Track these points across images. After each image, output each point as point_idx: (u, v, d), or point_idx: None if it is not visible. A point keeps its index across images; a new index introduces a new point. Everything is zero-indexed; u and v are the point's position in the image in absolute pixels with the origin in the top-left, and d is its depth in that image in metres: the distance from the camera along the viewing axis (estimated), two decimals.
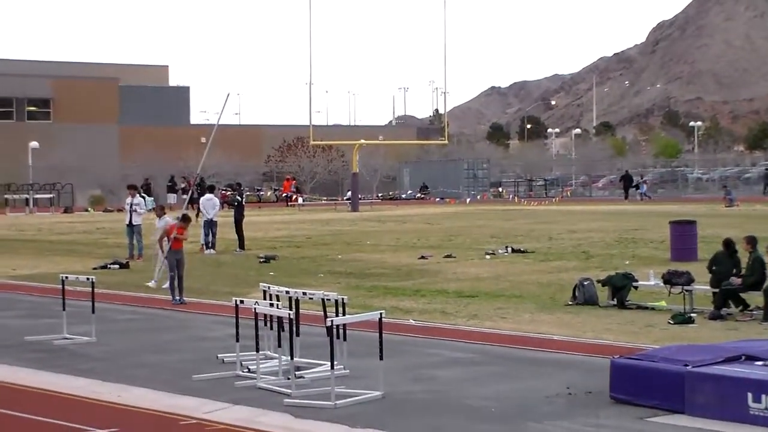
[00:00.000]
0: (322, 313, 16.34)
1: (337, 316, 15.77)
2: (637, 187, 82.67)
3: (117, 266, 32.11)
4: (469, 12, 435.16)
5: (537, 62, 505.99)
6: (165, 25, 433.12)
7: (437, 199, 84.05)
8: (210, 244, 37.22)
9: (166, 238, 24.72)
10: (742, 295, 20.48)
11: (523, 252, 34.37)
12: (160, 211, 29.59)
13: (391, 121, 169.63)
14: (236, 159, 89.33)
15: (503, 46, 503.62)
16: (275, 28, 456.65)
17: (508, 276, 28.02)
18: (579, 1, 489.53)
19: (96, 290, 20.23)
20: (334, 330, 14.71)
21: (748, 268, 20.66)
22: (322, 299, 16.64)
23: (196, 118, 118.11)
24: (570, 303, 22.28)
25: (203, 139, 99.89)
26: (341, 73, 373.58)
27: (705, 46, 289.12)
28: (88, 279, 20.22)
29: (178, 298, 23.99)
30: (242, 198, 41.27)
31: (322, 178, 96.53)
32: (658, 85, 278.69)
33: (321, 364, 15.66)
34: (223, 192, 70.05)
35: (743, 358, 12.97)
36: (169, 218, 27.96)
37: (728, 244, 21.39)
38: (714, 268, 21.17)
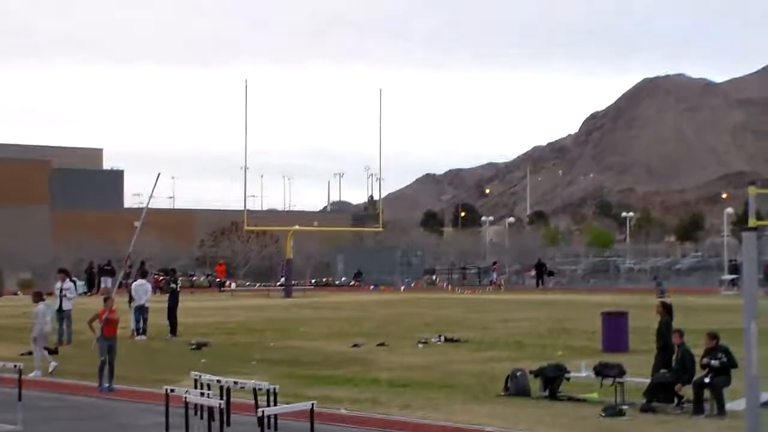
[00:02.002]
0: (254, 402, 16.20)
1: (268, 405, 15.65)
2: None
3: (46, 352, 31.61)
4: (405, 99, 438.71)
5: (472, 150, 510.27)
6: (98, 107, 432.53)
7: (371, 287, 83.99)
8: (141, 330, 36.87)
9: (98, 321, 24.49)
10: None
11: (456, 341, 34.36)
12: (36, 297, 28.56)
13: (326, 207, 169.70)
14: (169, 243, 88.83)
15: (438, 133, 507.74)
16: (211, 111, 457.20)
17: (440, 365, 27.98)
18: (514, 91, 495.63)
19: (23, 377, 19.91)
20: (265, 420, 14.59)
21: (677, 362, 20.79)
22: (254, 389, 16.51)
23: (129, 201, 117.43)
24: (502, 393, 22.26)
25: (136, 223, 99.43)
26: (277, 157, 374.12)
27: (637, 138, 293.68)
28: (15, 366, 19.92)
29: (107, 385, 23.69)
30: (177, 285, 41.00)
31: (256, 263, 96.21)
32: (591, 175, 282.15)
33: None
34: (156, 276, 69.55)
35: None
36: (43, 306, 27.58)
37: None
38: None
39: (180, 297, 40.05)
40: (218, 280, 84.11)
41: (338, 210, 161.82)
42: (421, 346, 33.22)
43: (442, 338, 34.71)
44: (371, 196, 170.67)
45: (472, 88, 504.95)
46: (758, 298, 13.97)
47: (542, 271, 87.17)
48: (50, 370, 26.39)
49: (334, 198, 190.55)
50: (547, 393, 21.97)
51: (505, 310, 51.75)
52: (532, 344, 33.36)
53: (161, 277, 66.63)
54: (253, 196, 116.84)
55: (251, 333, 38.77)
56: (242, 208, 77.23)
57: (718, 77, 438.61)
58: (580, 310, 49.68)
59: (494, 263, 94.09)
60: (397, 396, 22.22)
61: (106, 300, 25.07)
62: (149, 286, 39.65)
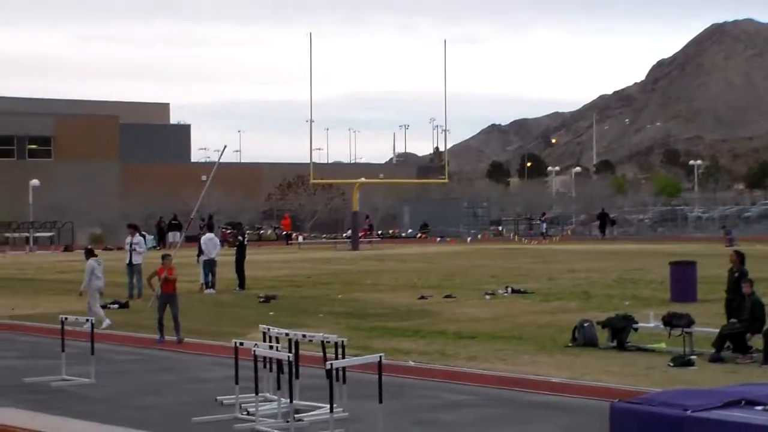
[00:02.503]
0: (322, 355, 16.33)
1: (336, 358, 15.78)
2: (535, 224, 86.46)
3: (117, 306, 32.07)
4: (469, 49, 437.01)
5: (537, 100, 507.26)
6: (165, 62, 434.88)
7: (437, 239, 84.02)
8: (210, 284, 37.19)
9: (156, 278, 24.78)
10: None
11: (522, 292, 34.33)
12: (88, 254, 28.92)
13: (391, 159, 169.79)
14: (236, 197, 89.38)
15: (503, 83, 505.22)
16: (275, 65, 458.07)
17: (507, 317, 28.00)
18: (579, 39, 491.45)
19: (96, 330, 20.21)
20: (334, 372, 14.71)
21: (747, 311, 20.67)
22: (322, 341, 16.63)
23: (196, 155, 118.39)
24: (570, 344, 22.25)
25: (204, 177, 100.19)
26: (342, 110, 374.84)
27: (704, 85, 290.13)
28: (87, 320, 20.22)
29: (159, 337, 24.32)
30: (244, 238, 41.26)
31: (322, 216, 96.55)
32: (657, 124, 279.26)
33: (320, 407, 15.63)
34: (224, 230, 70.04)
35: (743, 402, 12.91)
36: (93, 262, 27.84)
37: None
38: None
39: (247, 250, 40.32)
40: (284, 233, 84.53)
41: (404, 162, 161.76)
42: (488, 297, 33.24)
43: (509, 290, 34.70)
44: (437, 148, 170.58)
45: (537, 37, 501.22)
46: None
47: (605, 221, 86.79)
48: (103, 326, 26.59)
49: (400, 150, 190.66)
50: (614, 343, 21.94)
51: (572, 261, 51.58)
52: (599, 295, 33.27)
53: (229, 231, 67.06)
54: (319, 149, 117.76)
55: (318, 286, 38.98)
56: (308, 161, 77.50)
57: None
58: (647, 260, 49.41)
59: (543, 214, 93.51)
60: (464, 348, 22.29)
61: (164, 258, 25.02)
62: (218, 240, 39.96)
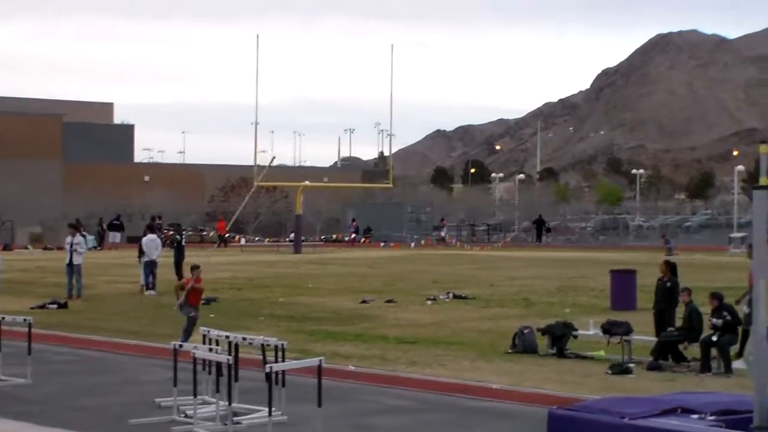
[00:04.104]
0: (262, 358, 16.27)
1: (276, 361, 15.73)
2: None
3: (55, 306, 31.79)
4: (416, 54, 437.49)
5: (482, 106, 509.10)
6: (109, 62, 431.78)
7: (381, 243, 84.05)
8: (150, 285, 36.97)
9: (182, 290, 23.13)
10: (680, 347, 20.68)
11: (464, 298, 34.40)
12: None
13: (336, 163, 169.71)
14: (179, 198, 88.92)
15: (449, 89, 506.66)
16: (222, 67, 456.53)
17: (448, 322, 28.05)
18: (525, 47, 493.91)
19: (33, 330, 20.00)
20: (273, 376, 14.67)
21: (685, 320, 20.87)
22: (262, 345, 16.58)
23: (140, 155, 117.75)
24: (510, 351, 22.32)
25: (147, 178, 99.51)
26: (288, 113, 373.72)
27: (648, 95, 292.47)
28: (24, 320, 20.02)
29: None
30: (182, 239, 41.04)
31: (266, 219, 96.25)
32: (601, 132, 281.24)
33: (259, 410, 15.57)
34: (166, 231, 69.62)
35: (679, 410, 13.02)
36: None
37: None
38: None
39: (187, 252, 40.14)
40: (219, 235, 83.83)
41: (348, 166, 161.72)
42: (429, 302, 33.28)
43: (451, 295, 34.78)
44: (381, 152, 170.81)
45: (484, 44, 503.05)
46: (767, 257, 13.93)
47: (542, 228, 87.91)
48: None
49: (345, 154, 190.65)
50: (554, 350, 22.05)
51: (513, 268, 51.78)
52: (540, 302, 33.42)
53: (170, 232, 66.72)
54: (264, 151, 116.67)
55: (260, 289, 38.86)
56: (252, 164, 77.24)
57: (731, 33, 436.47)
58: (588, 268, 49.69)
59: (442, 219, 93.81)
60: (404, 353, 22.30)
61: (193, 269, 23.45)
62: (160, 242, 39.74)
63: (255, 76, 71.16)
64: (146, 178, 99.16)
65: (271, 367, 14.48)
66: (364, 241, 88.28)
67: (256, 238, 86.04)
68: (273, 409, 14.30)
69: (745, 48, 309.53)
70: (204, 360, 16.10)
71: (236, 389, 15.48)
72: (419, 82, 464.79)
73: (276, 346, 16.26)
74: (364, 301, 33.24)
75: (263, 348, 16.51)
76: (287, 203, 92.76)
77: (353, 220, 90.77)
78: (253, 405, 15.96)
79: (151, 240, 38.34)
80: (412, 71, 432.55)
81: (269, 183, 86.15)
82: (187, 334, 22.31)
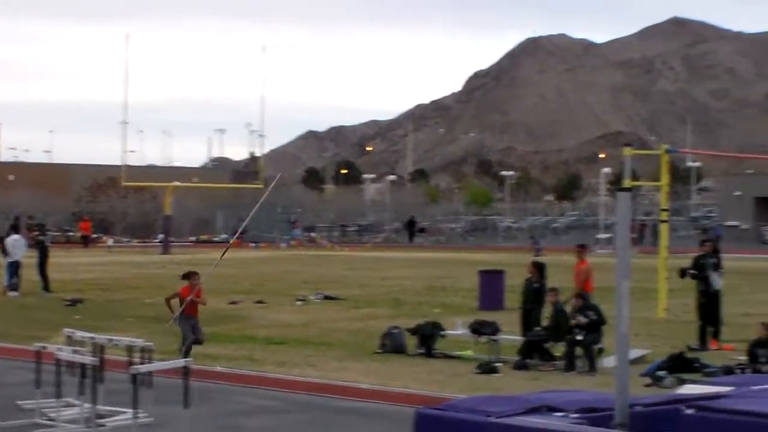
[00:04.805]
0: (128, 359, 16.07)
1: (142, 362, 15.54)
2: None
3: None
4: (287, 55, 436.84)
5: (354, 108, 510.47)
6: None
7: (251, 244, 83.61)
8: (14, 286, 36.25)
9: (178, 300, 21.07)
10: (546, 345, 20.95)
11: (334, 299, 34.43)
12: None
13: (206, 163, 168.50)
14: (45, 198, 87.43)
15: (321, 90, 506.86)
16: (92, 65, 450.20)
17: (318, 323, 28.04)
18: (398, 49, 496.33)
19: None
20: (139, 377, 14.48)
21: (551, 319, 21.16)
22: (128, 346, 16.37)
23: (5, 155, 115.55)
24: (378, 351, 22.38)
25: (11, 177, 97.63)
26: (158, 113, 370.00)
27: (518, 97, 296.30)
28: None
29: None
30: (45, 239, 40.33)
31: (134, 219, 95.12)
32: (471, 134, 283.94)
33: (125, 412, 15.36)
34: (32, 231, 68.30)
35: (544, 409, 13.16)
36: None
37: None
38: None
39: (54, 252, 39.46)
40: (83, 235, 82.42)
41: (219, 166, 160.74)
42: (299, 303, 33.24)
43: (321, 296, 34.77)
44: (252, 153, 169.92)
45: (357, 45, 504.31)
46: (630, 257, 14.19)
47: (413, 229, 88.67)
48: None
49: (216, 154, 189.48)
50: (423, 350, 22.15)
51: (384, 268, 51.98)
52: (409, 302, 33.60)
53: (35, 232, 65.49)
54: (133, 151, 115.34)
55: (127, 290, 38.40)
56: (121, 164, 76.33)
57: (599, 38, 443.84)
58: (458, 268, 50.10)
59: (294, 221, 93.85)
60: (273, 353, 22.21)
61: (191, 277, 21.27)
62: (24, 242, 38.97)
63: (124, 75, 70.59)
64: (11, 177, 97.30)
65: (136, 368, 14.30)
66: (236, 243, 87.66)
67: (125, 239, 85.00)
68: (139, 410, 14.12)
69: (612, 53, 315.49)
70: (69, 361, 15.83)
71: (102, 391, 15.24)
72: (292, 83, 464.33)
73: (143, 348, 16.07)
74: (233, 302, 33.05)
75: (129, 349, 16.30)
76: (156, 203, 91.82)
77: (294, 221, 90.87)
78: (119, 407, 15.74)
79: (15, 240, 37.58)
80: (285, 72, 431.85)
81: (138, 183, 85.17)
82: (189, 346, 20.62)
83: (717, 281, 24.77)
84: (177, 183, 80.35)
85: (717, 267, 25.09)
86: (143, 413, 14.84)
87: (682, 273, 25.51)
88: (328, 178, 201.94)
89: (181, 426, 14.15)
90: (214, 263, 23.88)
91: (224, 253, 23.98)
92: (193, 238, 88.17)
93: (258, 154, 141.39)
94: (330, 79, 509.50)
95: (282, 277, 45.46)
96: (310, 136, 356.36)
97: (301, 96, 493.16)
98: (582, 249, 26.45)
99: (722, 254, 26.42)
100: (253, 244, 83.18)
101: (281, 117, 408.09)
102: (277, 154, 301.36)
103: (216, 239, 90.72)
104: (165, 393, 16.13)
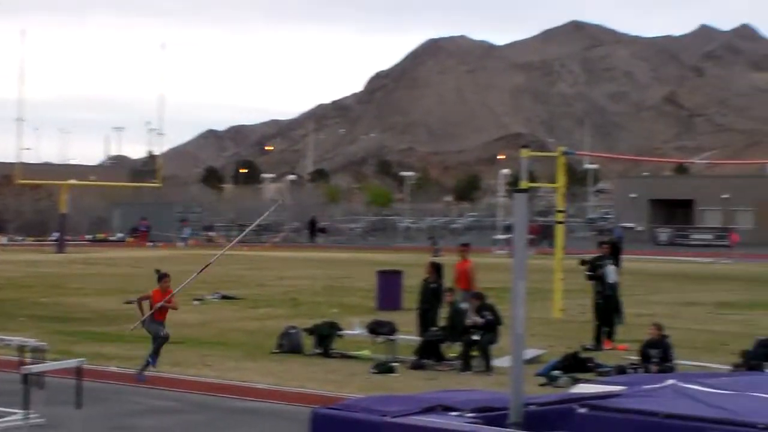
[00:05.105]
0: (19, 359, 15.80)
1: (34, 363, 15.28)
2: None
3: None
4: (188, 53, 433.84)
5: (255, 107, 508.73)
6: None
7: (149, 243, 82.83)
8: None
9: (147, 302, 20.66)
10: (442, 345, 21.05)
11: (232, 298, 34.25)
12: None
13: (104, 162, 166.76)
14: None
15: (221, 89, 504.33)
16: None
17: (215, 322, 27.90)
18: (299, 48, 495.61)
19: None
20: (30, 377, 14.25)
21: (448, 319, 21.25)
22: (19, 346, 16.09)
23: None
24: (276, 351, 22.31)
25: None
26: (54, 110, 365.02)
27: (419, 99, 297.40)
28: None
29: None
30: None
31: (29, 218, 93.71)
32: (372, 135, 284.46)
33: (15, 413, 15.09)
34: None
35: (439, 408, 13.20)
36: None
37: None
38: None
39: None
40: None
41: (116, 164, 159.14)
42: (196, 303, 32.98)
43: (218, 295, 34.57)
44: (151, 152, 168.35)
45: (257, 43, 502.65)
46: (527, 258, 14.27)
47: (314, 228, 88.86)
48: None
49: (113, 152, 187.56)
50: (320, 350, 22.13)
51: (282, 268, 51.84)
52: (307, 302, 33.56)
53: None
54: (28, 148, 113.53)
55: (20, 289, 37.82)
56: (15, 161, 75.18)
57: (500, 40, 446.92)
58: (356, 268, 50.12)
59: (183, 221, 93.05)
60: (169, 353, 21.98)
61: (161, 279, 21.03)
62: None
63: (19, 72, 69.57)
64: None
65: (28, 369, 14.07)
66: (132, 241, 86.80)
67: (19, 238, 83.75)
68: (30, 411, 13.88)
69: (512, 55, 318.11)
70: None
71: None
72: (192, 82, 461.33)
73: (35, 347, 15.81)
74: (128, 302, 32.63)
75: (21, 349, 16.02)
76: (52, 202, 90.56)
77: (183, 220, 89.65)
78: (10, 408, 15.46)
79: None
80: (185, 70, 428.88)
81: (33, 181, 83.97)
82: (156, 354, 20.05)
83: (611, 275, 25.19)
84: (73, 181, 79.34)
85: (615, 265, 25.65)
86: (34, 414, 14.59)
87: (583, 261, 26.01)
88: (227, 178, 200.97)
89: (74, 427, 13.96)
90: (195, 271, 23.58)
91: (221, 254, 24.02)
92: (89, 237, 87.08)
93: (156, 152, 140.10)
94: (230, 78, 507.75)
95: (180, 276, 44.96)
96: (210, 135, 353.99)
97: (201, 95, 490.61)
98: (465, 248, 26.80)
99: (621, 255, 26.89)
100: (151, 244, 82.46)
101: (181, 115, 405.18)
102: (176, 153, 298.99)
103: (112, 238, 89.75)
104: (57, 393, 15.89)
